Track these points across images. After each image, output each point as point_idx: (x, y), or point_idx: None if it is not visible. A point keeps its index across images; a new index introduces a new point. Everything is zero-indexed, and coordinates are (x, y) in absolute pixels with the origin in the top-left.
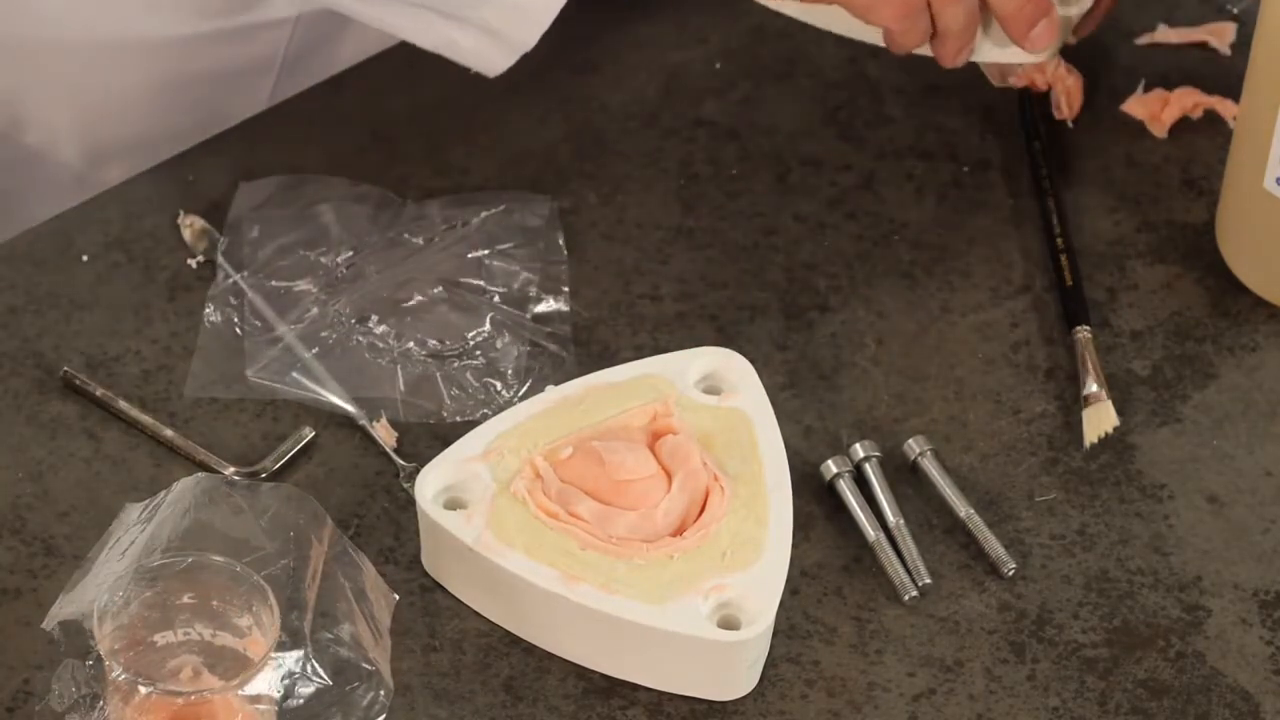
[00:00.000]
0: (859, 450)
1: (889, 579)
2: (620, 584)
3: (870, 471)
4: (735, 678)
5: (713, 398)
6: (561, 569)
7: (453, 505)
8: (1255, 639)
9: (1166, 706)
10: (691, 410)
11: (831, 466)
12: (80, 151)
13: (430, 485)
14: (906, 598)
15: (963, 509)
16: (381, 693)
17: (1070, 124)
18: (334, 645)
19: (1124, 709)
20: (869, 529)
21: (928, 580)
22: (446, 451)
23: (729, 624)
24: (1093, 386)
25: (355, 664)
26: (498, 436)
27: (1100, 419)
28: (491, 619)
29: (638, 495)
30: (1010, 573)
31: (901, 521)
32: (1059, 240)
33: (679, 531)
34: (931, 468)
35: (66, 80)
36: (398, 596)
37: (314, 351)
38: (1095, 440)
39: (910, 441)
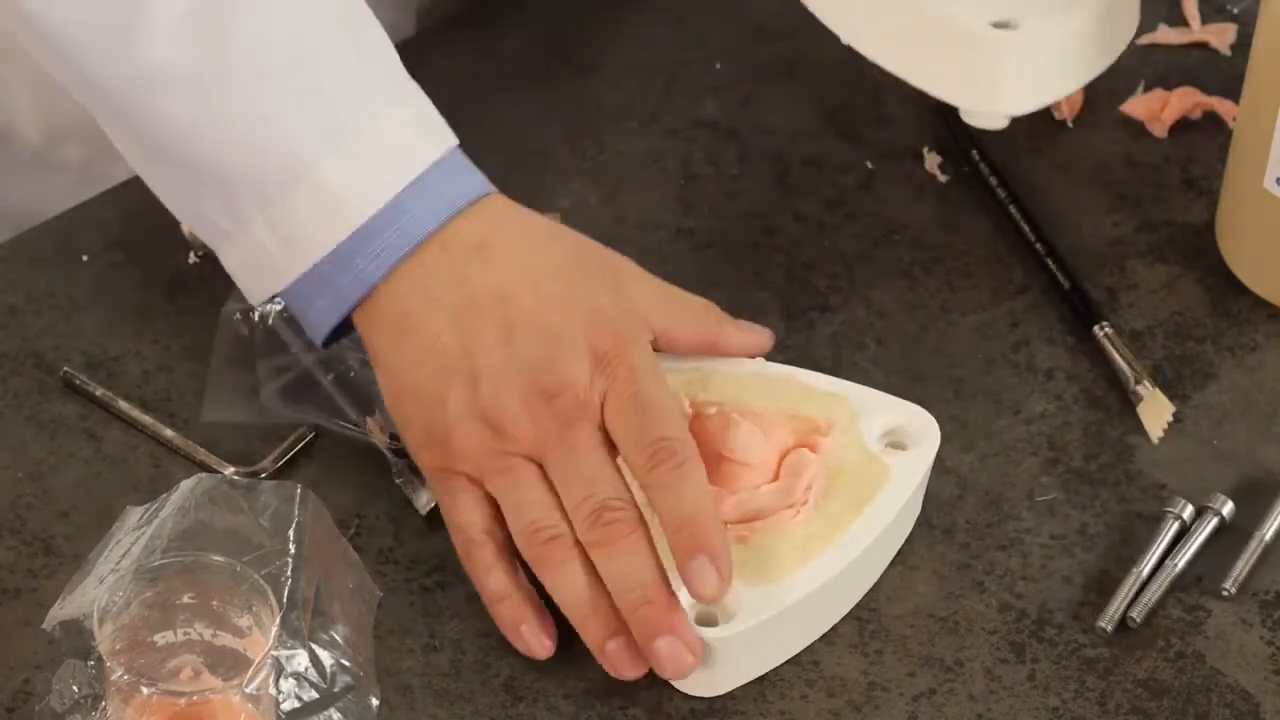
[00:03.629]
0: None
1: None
2: None
3: None
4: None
5: (875, 445)
6: None
7: None
8: (1255, 639)
9: (1166, 706)
10: (849, 446)
11: None
12: (39, 130)
13: None
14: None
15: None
16: (372, 697)
17: (1070, 124)
18: (331, 645)
19: (1124, 709)
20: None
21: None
22: None
23: (707, 619)
24: (1143, 380)
25: (351, 664)
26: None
27: (1158, 410)
28: None
29: (725, 473)
30: (1229, 595)
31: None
32: (1038, 246)
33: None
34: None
35: (26, 59)
36: (381, 594)
37: (330, 378)
38: (1161, 433)
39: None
